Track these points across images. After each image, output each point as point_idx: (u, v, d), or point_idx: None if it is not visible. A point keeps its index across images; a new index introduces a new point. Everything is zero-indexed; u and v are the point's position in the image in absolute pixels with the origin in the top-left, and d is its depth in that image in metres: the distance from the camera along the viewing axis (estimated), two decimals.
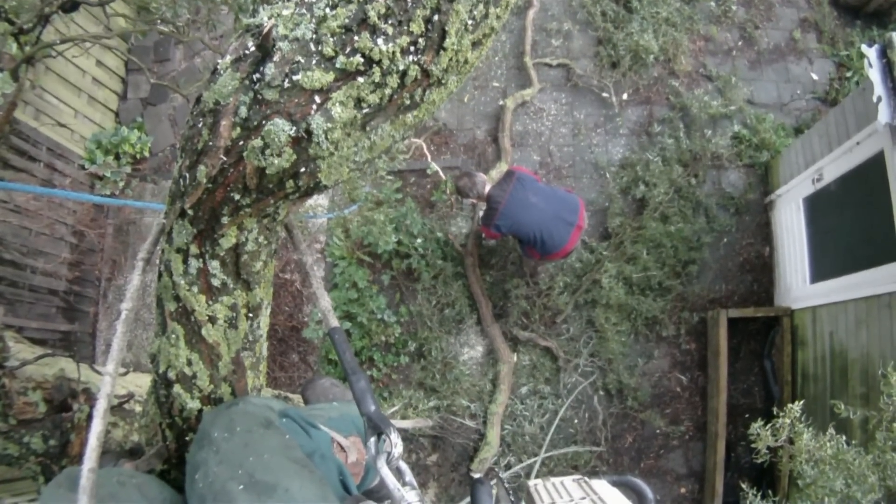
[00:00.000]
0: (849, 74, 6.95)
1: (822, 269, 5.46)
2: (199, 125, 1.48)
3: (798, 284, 5.74)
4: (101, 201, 6.40)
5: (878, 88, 4.33)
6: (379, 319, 6.13)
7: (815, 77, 7.06)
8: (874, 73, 4.38)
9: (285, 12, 1.41)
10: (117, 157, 6.89)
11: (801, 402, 3.46)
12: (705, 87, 6.94)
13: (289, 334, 6.30)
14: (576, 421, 6.04)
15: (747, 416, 5.77)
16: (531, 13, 7.13)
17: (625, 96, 6.91)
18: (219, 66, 1.46)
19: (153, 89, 7.24)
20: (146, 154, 7.05)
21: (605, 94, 6.89)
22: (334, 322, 1.89)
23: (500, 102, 6.90)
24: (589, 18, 7.20)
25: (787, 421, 3.39)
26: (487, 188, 5.15)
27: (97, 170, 6.71)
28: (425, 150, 6.34)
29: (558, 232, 5.07)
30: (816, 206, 5.65)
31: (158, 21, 4.73)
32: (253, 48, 1.40)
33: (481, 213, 5.38)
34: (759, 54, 7.15)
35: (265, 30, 1.34)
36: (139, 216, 6.88)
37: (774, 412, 3.50)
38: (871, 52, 4.43)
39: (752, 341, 6.07)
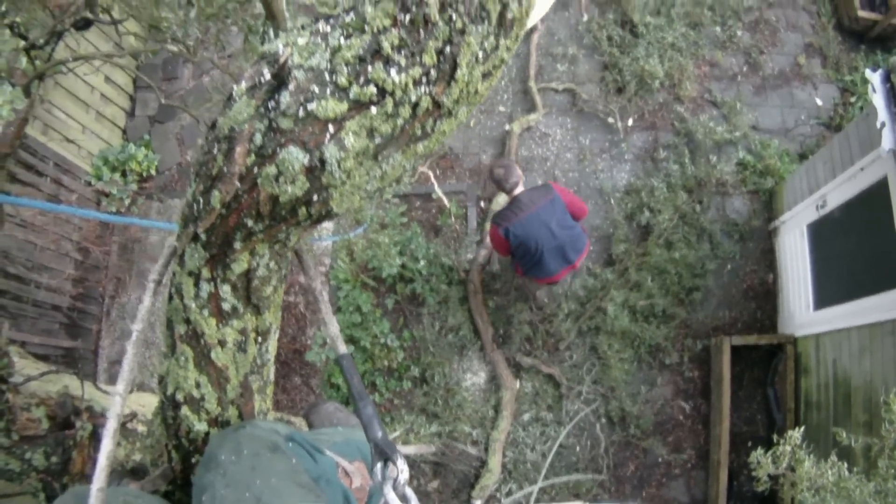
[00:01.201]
0: (853, 100, 6.99)
1: (826, 295, 5.45)
2: (214, 151, 1.50)
3: (801, 311, 5.73)
4: (107, 219, 6.44)
5: (882, 114, 4.32)
6: (382, 344, 6.12)
7: (819, 102, 7.10)
8: (878, 99, 4.38)
9: (301, 41, 1.43)
10: (124, 175, 6.91)
11: (802, 429, 3.44)
12: (710, 112, 6.97)
13: (292, 357, 6.28)
14: (578, 448, 6.01)
15: (750, 444, 5.74)
16: (535, 37, 7.18)
17: (630, 122, 6.95)
18: (234, 93, 1.48)
19: (161, 107, 7.27)
20: (153, 172, 7.07)
21: (610, 120, 6.92)
22: (343, 349, 1.90)
23: (506, 127, 6.93)
24: (595, 43, 7.26)
25: (788, 448, 3.38)
26: (520, 189, 4.91)
27: (103, 186, 6.72)
28: (431, 175, 6.37)
29: (554, 264, 5.03)
30: (820, 232, 5.65)
31: (169, 40, 4.79)
32: (268, 76, 1.42)
33: (497, 208, 5.20)
34: (764, 80, 7.19)
35: (281, 59, 1.36)
36: (144, 235, 6.88)
37: (775, 439, 3.48)
38: (875, 78, 4.44)
39: (755, 369, 6.05)
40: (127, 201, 6.85)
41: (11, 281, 5.64)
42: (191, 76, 7.48)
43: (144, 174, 7.03)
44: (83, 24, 4.07)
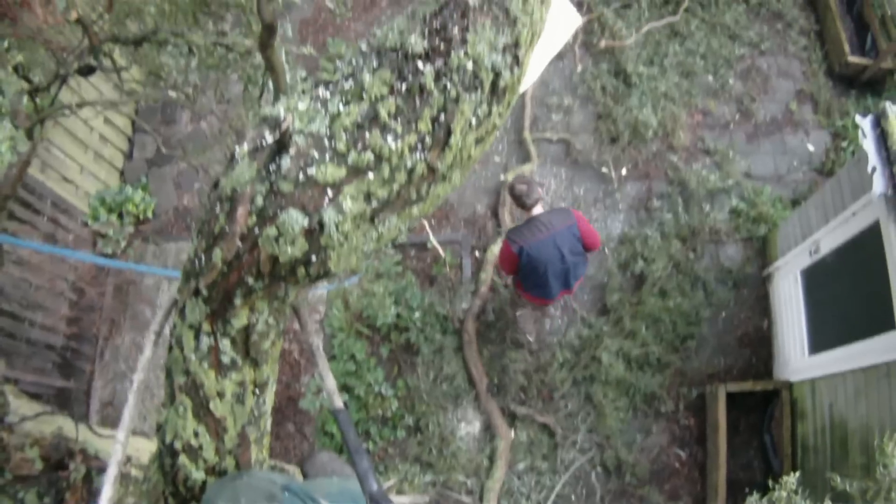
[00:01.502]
0: (845, 144, 7.05)
1: (821, 340, 5.44)
2: (217, 210, 1.54)
3: (797, 357, 5.72)
4: (105, 263, 6.44)
5: (873, 159, 4.32)
6: (377, 392, 6.08)
7: (811, 148, 7.16)
8: (868, 144, 4.38)
9: (301, 106, 1.48)
10: (120, 216, 6.92)
11: (798, 475, 3.43)
12: (703, 161, 7.03)
13: (286, 404, 6.23)
14: (573, 497, 5.94)
15: (747, 490, 5.66)
16: (530, 89, 7.28)
17: (624, 171, 7.00)
18: (236, 154, 1.53)
19: (159, 151, 7.30)
20: (149, 215, 7.08)
21: (604, 170, 6.97)
22: (339, 403, 1.93)
23: (501, 177, 6.98)
24: (589, 93, 7.35)
25: (784, 494, 3.36)
26: (539, 209, 4.86)
27: (100, 227, 6.74)
28: (426, 225, 6.41)
29: (555, 288, 5.06)
30: (814, 277, 5.66)
31: (169, 87, 4.87)
32: (270, 139, 1.47)
33: (511, 224, 5.13)
34: (757, 127, 7.27)
35: (283, 125, 1.41)
36: (139, 277, 6.86)
37: (771, 485, 3.46)
38: (865, 123, 4.46)
39: (751, 415, 6.01)
40: (123, 243, 6.86)
41: (5, 318, 5.61)
42: (189, 120, 7.54)
43: (141, 217, 7.04)
44: (87, 71, 4.14)
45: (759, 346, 6.30)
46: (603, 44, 7.44)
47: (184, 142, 7.42)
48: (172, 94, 4.90)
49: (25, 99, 3.93)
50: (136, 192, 7.04)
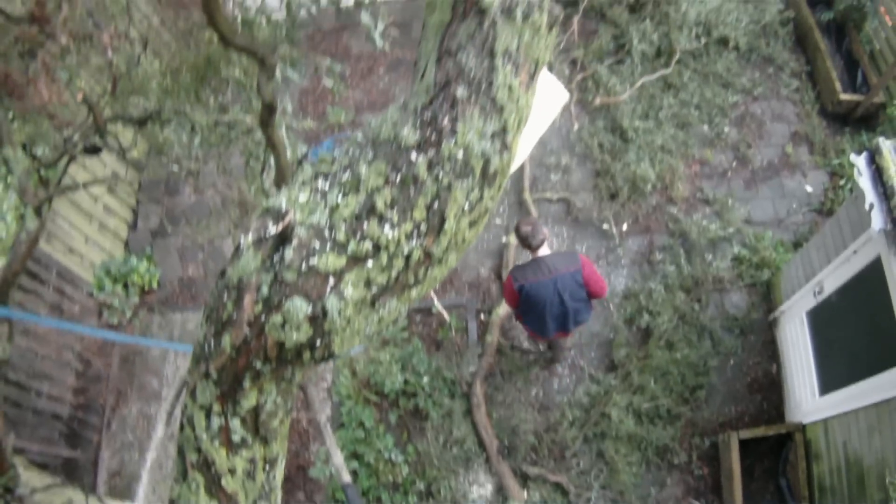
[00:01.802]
0: (842, 182, 7.09)
1: (831, 380, 5.40)
2: (224, 298, 1.60)
3: (808, 398, 5.67)
4: (113, 338, 6.48)
5: (870, 195, 4.32)
6: (386, 459, 6.04)
7: (809, 189, 7.21)
8: (864, 181, 4.39)
9: (302, 198, 1.55)
10: (126, 287, 6.95)
11: None
12: (703, 211, 7.08)
13: (295, 473, 6.18)
14: None
15: None
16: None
17: (625, 227, 7.05)
18: (241, 245, 1.59)
19: (163, 221, 7.40)
20: (154, 285, 7.12)
21: (605, 226, 7.02)
22: (347, 478, 1.96)
23: (503, 240, 7.03)
24: (587, 151, 7.44)
25: None
26: (545, 250, 4.94)
27: (105, 298, 6.76)
28: (430, 291, 6.44)
29: (552, 327, 5.17)
30: (820, 318, 5.65)
31: (172, 163, 4.98)
32: (273, 230, 1.54)
33: (515, 261, 5.25)
34: (754, 173, 7.33)
35: (285, 220, 1.48)
36: (146, 348, 6.88)
37: None
38: (860, 161, 4.48)
39: (765, 460, 5.95)
40: (128, 313, 6.87)
41: (12, 388, 5.59)
42: (192, 192, 7.62)
43: (146, 287, 7.08)
44: (93, 150, 4.25)
45: (769, 390, 6.26)
46: (598, 101, 7.56)
47: (187, 212, 7.52)
48: (175, 168, 5.00)
49: (34, 178, 4.02)
50: (141, 263, 7.09)
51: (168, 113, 3.86)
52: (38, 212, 4.01)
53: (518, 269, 5.04)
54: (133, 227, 7.54)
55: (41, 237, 6.12)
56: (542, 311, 5.00)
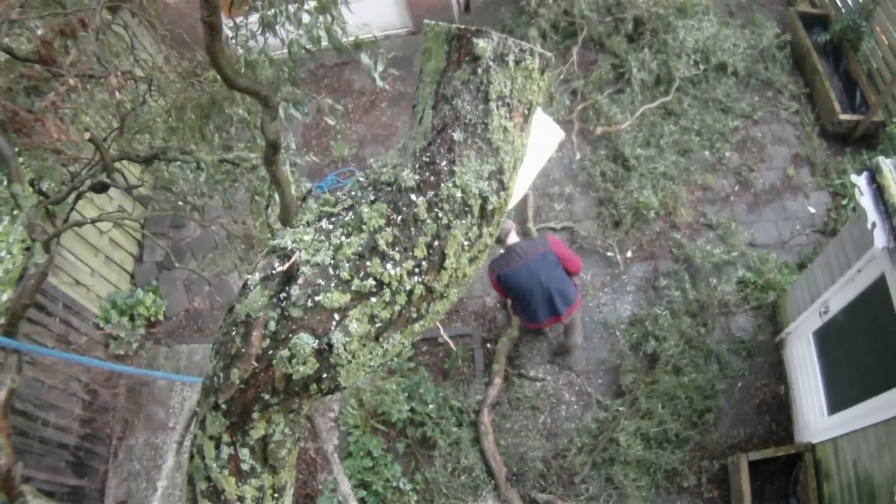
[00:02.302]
0: (845, 202, 7.13)
1: (839, 399, 5.41)
2: (233, 333, 1.66)
3: (816, 418, 5.67)
4: (120, 370, 6.52)
5: (872, 214, 4.36)
6: (394, 487, 6.04)
7: (812, 210, 7.25)
8: (866, 200, 4.43)
9: (306, 237, 1.61)
10: (132, 319, 7.01)
11: None
12: (707, 235, 7.13)
13: (303, 502, 6.21)
14: None
15: None
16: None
17: (629, 254, 7.09)
18: (248, 282, 1.66)
19: (168, 255, 7.49)
20: (160, 317, 7.19)
21: (609, 254, 7.06)
22: None
23: None
24: (589, 180, 7.51)
25: None
26: (513, 238, 5.39)
27: (112, 330, 6.82)
28: (435, 323, 6.44)
29: (542, 313, 5.39)
30: (826, 338, 5.67)
31: (179, 200, 5.05)
32: (279, 269, 1.60)
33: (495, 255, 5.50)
34: (756, 196, 7.38)
35: (291, 258, 1.55)
36: (153, 379, 6.94)
37: None
38: (861, 180, 4.52)
39: (775, 481, 5.92)
40: (135, 345, 6.93)
41: (18, 417, 5.61)
42: (198, 225, 7.68)
43: (152, 319, 7.15)
44: (100, 188, 4.31)
45: (777, 411, 6.25)
46: (599, 130, 7.65)
47: (193, 245, 7.60)
48: (181, 205, 5.07)
49: (41, 213, 4.09)
50: (147, 295, 7.16)
51: (174, 151, 3.93)
52: (46, 248, 4.08)
53: (494, 262, 5.37)
54: (139, 259, 7.61)
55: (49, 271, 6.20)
56: (528, 296, 5.28)
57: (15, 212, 5.44)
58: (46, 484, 5.81)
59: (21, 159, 4.13)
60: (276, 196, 3.25)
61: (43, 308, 6.07)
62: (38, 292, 5.89)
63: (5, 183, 3.90)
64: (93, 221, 4.38)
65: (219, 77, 2.68)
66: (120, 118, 3.71)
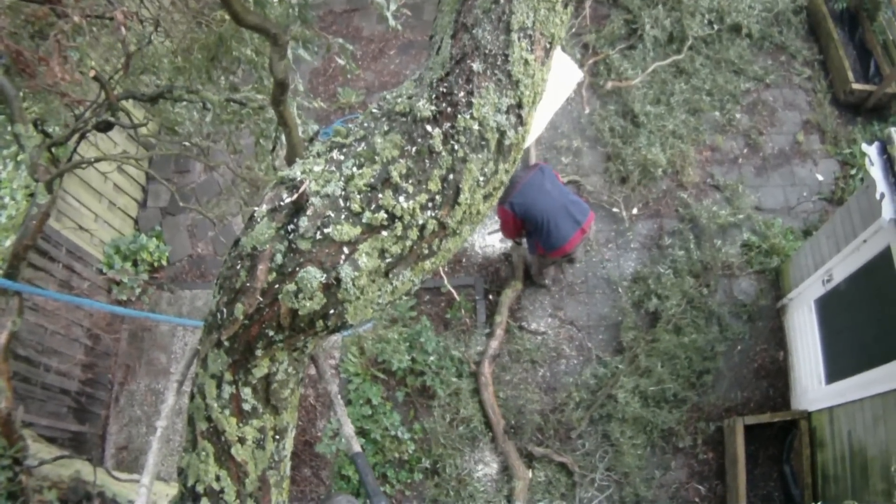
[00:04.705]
0: (853, 172, 7.08)
1: (837, 368, 5.42)
2: (238, 266, 1.61)
3: (814, 386, 5.69)
4: (122, 313, 6.51)
5: (881, 185, 4.35)
6: (393, 436, 6.08)
7: (820, 178, 7.20)
8: (876, 171, 4.42)
9: (316, 168, 1.56)
10: (135, 264, 7.00)
11: None
12: (713, 196, 7.08)
13: (302, 448, 6.24)
14: None
15: None
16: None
17: (635, 210, 7.04)
18: (256, 214, 1.61)
19: (173, 199, 7.42)
20: (164, 263, 7.17)
21: (615, 210, 7.02)
22: (357, 448, 1.98)
23: None
24: (598, 135, 7.43)
25: None
26: None
27: (115, 275, 6.79)
28: (440, 270, 6.46)
29: (564, 226, 5.31)
30: (828, 306, 5.66)
31: (183, 141, 4.98)
32: (288, 200, 1.55)
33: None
34: (765, 160, 7.32)
35: (300, 188, 1.50)
36: (154, 324, 6.94)
37: None
38: (872, 150, 4.50)
39: (770, 447, 5.97)
40: (137, 291, 6.93)
41: (21, 363, 5.62)
42: (202, 170, 7.64)
43: (155, 264, 7.13)
44: (105, 127, 4.25)
45: (775, 377, 6.28)
46: (609, 85, 7.56)
47: (197, 190, 7.54)
48: (186, 145, 5.00)
49: (44, 153, 4.04)
50: (151, 241, 7.12)
51: (180, 90, 3.86)
52: (48, 188, 4.04)
53: (499, 198, 5.33)
54: (143, 205, 7.55)
55: (51, 215, 6.15)
56: (545, 214, 5.25)
57: (19, 157, 5.37)
58: (48, 430, 5.84)
59: (25, 103, 4.07)
60: (283, 138, 3.19)
61: (46, 253, 6.04)
62: (42, 237, 5.89)
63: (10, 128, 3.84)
64: (97, 161, 4.33)
65: (227, 15, 2.60)
66: (126, 57, 3.62)
